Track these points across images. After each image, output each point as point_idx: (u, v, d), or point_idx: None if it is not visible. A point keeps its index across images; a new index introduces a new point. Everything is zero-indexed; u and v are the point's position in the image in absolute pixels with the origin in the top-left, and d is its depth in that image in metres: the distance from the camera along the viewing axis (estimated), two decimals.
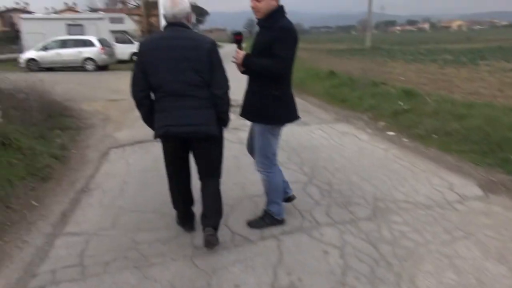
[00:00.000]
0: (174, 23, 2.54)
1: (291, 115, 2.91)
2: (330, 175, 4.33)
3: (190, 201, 3.05)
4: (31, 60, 18.36)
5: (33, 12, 37.29)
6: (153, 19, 29.44)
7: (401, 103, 7.07)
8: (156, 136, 2.62)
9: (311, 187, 3.99)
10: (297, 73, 13.04)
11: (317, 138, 5.95)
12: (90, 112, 8.34)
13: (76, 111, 8.37)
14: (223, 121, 2.74)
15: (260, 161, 2.99)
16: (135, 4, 31.03)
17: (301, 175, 4.32)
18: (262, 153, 2.95)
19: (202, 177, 2.83)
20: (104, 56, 18.56)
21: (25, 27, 21.56)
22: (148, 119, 2.68)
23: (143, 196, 3.84)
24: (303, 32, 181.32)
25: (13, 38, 30.84)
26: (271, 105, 2.79)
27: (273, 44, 2.63)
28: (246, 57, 2.74)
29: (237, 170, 4.51)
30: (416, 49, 26.38)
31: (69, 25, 21.78)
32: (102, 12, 26.12)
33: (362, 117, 7.21)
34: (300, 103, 8.77)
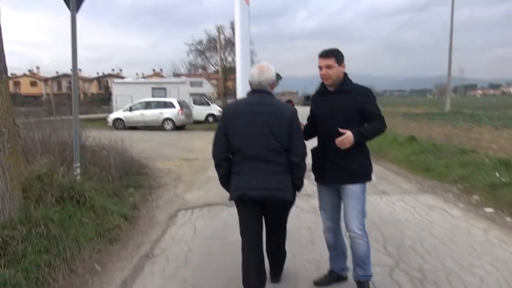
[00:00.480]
0: (259, 90, 2.67)
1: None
2: (420, 258, 3.69)
3: (263, 281, 2.80)
4: (118, 119, 19.98)
5: (125, 77, 41.53)
6: (229, 83, 31.08)
7: (499, 175, 6.20)
8: (232, 198, 2.66)
9: (399, 273, 3.39)
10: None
11: (399, 211, 5.32)
12: (164, 170, 8.51)
13: (150, 169, 8.59)
14: (297, 186, 2.75)
15: (361, 223, 2.86)
16: (215, 69, 33.20)
17: (385, 257, 3.74)
18: (363, 214, 2.88)
19: (269, 237, 2.91)
20: (182, 117, 19.62)
21: (116, 90, 23.86)
22: (225, 181, 2.73)
23: (208, 268, 3.52)
24: (376, 95, 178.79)
25: (106, 100, 34.34)
26: (368, 162, 2.91)
27: (366, 106, 2.78)
28: (356, 134, 2.69)
29: (311, 244, 4.06)
30: (504, 114, 24.40)
31: (154, 88, 23.67)
32: (184, 77, 28.21)
33: (451, 189, 6.42)
34: (378, 169, 8.17)
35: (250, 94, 2.73)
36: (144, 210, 5.38)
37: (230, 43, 30.48)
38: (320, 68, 2.81)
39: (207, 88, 25.32)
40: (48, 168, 4.70)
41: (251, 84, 2.71)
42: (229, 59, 31.72)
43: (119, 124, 19.93)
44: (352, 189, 2.81)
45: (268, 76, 2.67)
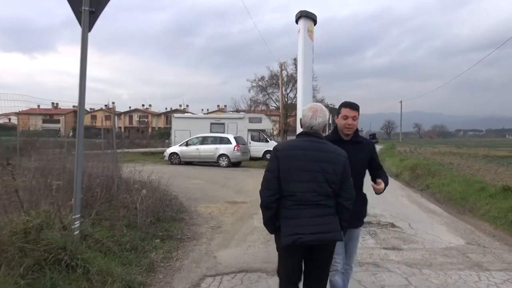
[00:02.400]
0: (311, 133, 2.68)
1: None
2: None
3: None
4: (174, 154, 19.70)
5: (187, 112, 42.44)
6: (290, 120, 30.17)
7: None
8: (285, 244, 2.58)
9: None
10: (453, 184, 10.61)
11: None
12: (204, 216, 7.46)
13: (190, 213, 7.60)
14: (343, 227, 2.70)
15: (353, 263, 3.35)
16: (275, 105, 32.60)
17: None
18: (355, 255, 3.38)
19: (308, 282, 2.79)
20: (238, 153, 18.84)
21: (175, 125, 23.88)
22: (270, 222, 2.70)
23: None
24: (446, 134, 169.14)
25: (169, 134, 34.98)
26: (366, 208, 3.37)
27: (374, 157, 3.28)
28: (386, 183, 3.20)
29: None
30: None
31: (212, 123, 23.37)
32: (243, 113, 27.82)
33: None
34: (466, 228, 6.43)
35: (300, 135, 2.76)
36: (161, 274, 4.26)
37: (292, 79, 29.89)
38: (346, 117, 3.03)
39: (266, 124, 24.52)
40: (47, 217, 3.83)
41: (302, 124, 2.76)
42: (291, 95, 31.05)
43: (174, 158, 19.62)
44: (357, 232, 3.29)
45: (322, 121, 2.69)
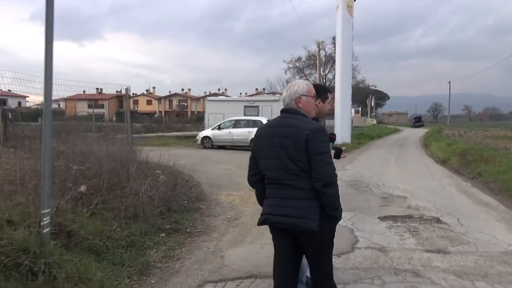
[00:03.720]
0: (285, 110, 2.56)
1: None
2: None
3: None
4: (206, 138, 19.26)
5: (224, 95, 42.00)
6: (331, 102, 28.85)
7: None
8: (258, 223, 2.59)
9: None
10: (509, 172, 9.25)
11: None
12: (224, 205, 6.82)
13: (208, 202, 6.98)
14: (331, 216, 2.41)
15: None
16: None
17: None
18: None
19: (312, 270, 2.61)
20: None
21: (209, 108, 23.42)
22: (261, 203, 2.64)
23: None
24: (500, 117, 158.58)
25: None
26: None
27: None
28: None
29: None
30: None
31: (246, 106, 22.66)
32: (278, 95, 26.89)
33: None
34: None
35: (280, 114, 2.61)
36: (154, 278, 3.65)
37: (331, 60, 28.49)
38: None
39: None
40: (22, 212, 3.30)
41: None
42: (329, 76, 29.64)
43: (207, 142, 19.19)
44: None
45: (286, 95, 2.57)
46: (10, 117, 15.30)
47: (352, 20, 22.32)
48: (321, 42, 28.65)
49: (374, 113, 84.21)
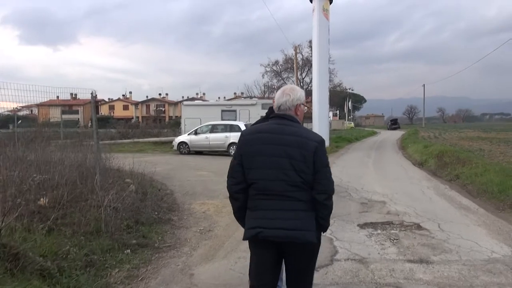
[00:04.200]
0: (280, 116, 2.39)
1: None
2: None
3: None
4: (182, 143, 18.80)
5: (204, 100, 41.53)
6: (308, 105, 28.82)
7: None
8: (245, 238, 2.37)
9: None
10: (488, 174, 9.25)
11: None
12: (197, 216, 6.46)
13: (181, 212, 6.62)
14: (322, 227, 2.38)
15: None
16: None
17: None
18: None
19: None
20: None
21: (185, 113, 22.95)
22: (240, 215, 2.46)
23: None
24: (472, 119, 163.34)
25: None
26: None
27: None
28: None
29: None
30: None
31: (224, 110, 22.32)
32: (255, 99, 26.69)
33: None
34: (509, 231, 4.90)
35: (271, 119, 2.45)
36: None
37: (308, 63, 28.46)
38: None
39: None
40: None
41: (274, 108, 2.47)
42: (307, 80, 29.64)
43: (183, 148, 18.72)
44: None
45: (287, 100, 2.37)
46: None
47: (328, 23, 22.30)
48: (298, 45, 28.69)
49: (351, 116, 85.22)
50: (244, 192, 2.38)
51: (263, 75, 30.22)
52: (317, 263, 4.27)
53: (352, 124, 72.68)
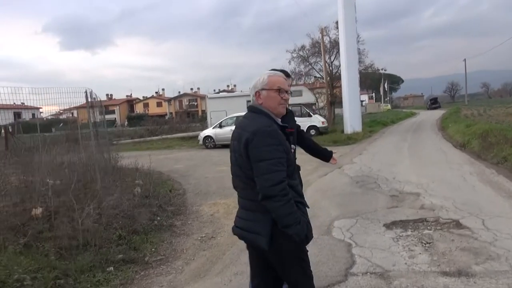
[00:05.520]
0: (248, 107, 2.31)
1: None
2: None
3: None
4: (208, 137, 18.37)
5: (229, 92, 40.96)
6: (337, 91, 27.54)
7: None
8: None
9: None
10: None
11: None
12: (203, 219, 5.86)
13: (186, 216, 6.04)
14: (290, 234, 2.03)
15: None
16: (320, 76, 30.00)
17: None
18: None
19: None
20: None
21: (210, 106, 22.47)
22: None
23: None
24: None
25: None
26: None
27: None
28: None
29: None
30: None
31: (249, 101, 21.61)
32: None
33: None
34: None
35: None
36: None
37: (336, 45, 27.00)
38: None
39: (308, 97, 22.28)
40: None
41: None
42: (336, 63, 28.24)
43: (209, 142, 18.29)
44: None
45: (251, 86, 2.27)
46: (11, 130, 14.82)
47: (354, 1, 21.00)
48: (325, 27, 27.23)
49: (388, 98, 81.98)
50: None
51: (289, 62, 28.99)
52: (328, 279, 3.56)
53: (389, 106, 69.86)
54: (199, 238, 4.96)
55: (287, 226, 2.01)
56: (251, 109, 2.23)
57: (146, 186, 7.52)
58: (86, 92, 6.13)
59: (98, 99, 8.71)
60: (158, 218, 5.61)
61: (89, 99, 6.25)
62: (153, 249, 4.49)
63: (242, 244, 4.51)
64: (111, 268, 3.88)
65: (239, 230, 2.20)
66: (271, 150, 1.99)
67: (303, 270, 2.21)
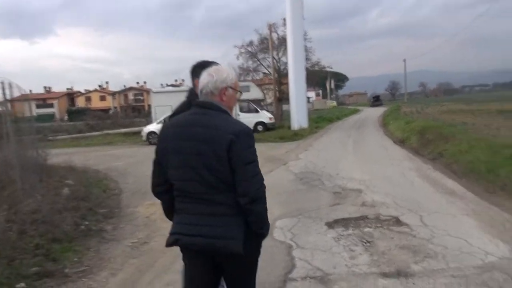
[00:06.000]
0: (201, 103, 2.00)
1: None
2: None
3: None
4: (151, 133, 17.67)
5: (175, 86, 40.01)
6: (284, 87, 27.71)
7: None
8: (166, 245, 2.08)
9: None
10: (474, 151, 8.43)
11: None
12: (137, 222, 5.46)
13: (119, 219, 5.60)
14: (257, 235, 2.01)
15: None
16: (268, 72, 30.02)
17: None
18: None
19: None
20: None
21: (155, 100, 21.64)
22: (170, 218, 2.16)
23: None
24: (452, 92, 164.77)
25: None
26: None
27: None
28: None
29: None
30: None
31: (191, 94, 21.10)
32: None
33: None
34: (503, 221, 4.65)
35: (192, 108, 2.04)
36: None
37: (284, 42, 27.14)
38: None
39: (255, 93, 22.22)
40: None
41: (197, 92, 2.08)
42: (284, 59, 28.38)
43: (153, 138, 17.54)
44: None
45: (211, 80, 1.97)
46: None
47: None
48: (273, 24, 27.26)
49: (334, 95, 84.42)
50: (168, 193, 2.09)
51: (237, 57, 28.74)
52: (268, 286, 3.34)
53: (335, 103, 71.96)
54: (131, 244, 4.55)
55: (264, 225, 2.01)
56: (209, 105, 1.97)
57: (76, 186, 6.93)
58: (2, 83, 5.44)
59: (23, 92, 7.89)
60: (86, 222, 5.11)
61: (5, 91, 5.55)
62: (75, 259, 4.03)
63: (177, 250, 4.19)
64: (22, 285, 3.39)
65: (204, 238, 1.93)
66: (254, 151, 1.94)
67: (254, 278, 2.14)
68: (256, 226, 1.97)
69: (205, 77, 2.01)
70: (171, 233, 2.05)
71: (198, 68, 2.34)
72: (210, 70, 2.04)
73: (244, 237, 1.94)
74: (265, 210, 1.99)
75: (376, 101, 67.90)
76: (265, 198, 1.97)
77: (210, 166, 1.90)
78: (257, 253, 2.10)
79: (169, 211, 2.17)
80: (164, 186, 2.08)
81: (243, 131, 1.91)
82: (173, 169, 1.99)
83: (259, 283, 3.23)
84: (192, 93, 2.48)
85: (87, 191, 6.78)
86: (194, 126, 1.96)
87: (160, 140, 2.07)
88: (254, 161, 1.94)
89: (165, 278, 3.53)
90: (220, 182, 1.92)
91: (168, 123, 2.14)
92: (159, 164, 2.07)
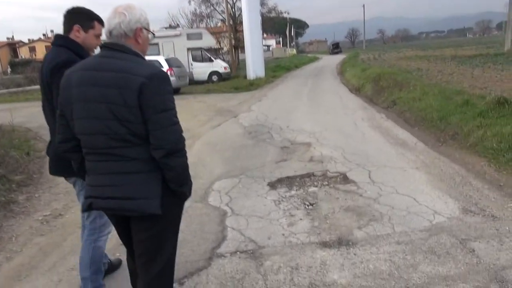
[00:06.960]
0: (110, 45, 1.74)
1: None
2: None
3: None
4: None
5: None
6: (240, 34, 26.45)
7: None
8: (81, 210, 2.06)
9: None
10: (426, 98, 8.20)
11: None
12: (57, 190, 4.77)
13: (36, 187, 4.91)
14: (177, 194, 1.80)
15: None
16: (222, 18, 28.42)
17: None
18: None
19: (139, 273, 1.91)
20: (172, 78, 15.66)
21: None
22: (84, 178, 1.91)
23: None
24: (410, 38, 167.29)
25: None
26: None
27: None
28: None
29: None
30: None
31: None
32: (179, 28, 23.89)
33: None
34: (453, 174, 4.43)
35: (101, 50, 1.79)
36: None
37: None
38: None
39: (208, 40, 20.90)
40: None
41: (105, 34, 1.83)
42: (239, 5, 26.90)
43: None
44: None
45: (124, 20, 1.71)
46: None
47: None
48: None
49: (294, 43, 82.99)
50: (77, 152, 1.84)
51: (189, 2, 26.90)
52: (188, 266, 2.85)
53: (294, 51, 70.87)
54: (42, 217, 3.92)
55: (184, 183, 1.81)
56: (119, 47, 1.70)
57: None
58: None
59: None
60: None
61: None
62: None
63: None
64: None
65: (115, 200, 1.74)
66: (171, 98, 1.70)
67: (175, 243, 1.93)
68: (174, 184, 1.76)
69: (115, 16, 1.72)
70: (85, 197, 1.85)
71: (81, 15, 2.22)
72: (120, 8, 1.75)
73: (162, 196, 1.73)
74: (185, 164, 1.78)
75: (335, 48, 67.57)
76: (185, 151, 1.76)
77: (120, 116, 1.66)
78: (178, 216, 1.90)
79: (81, 169, 1.90)
80: (71, 143, 1.83)
81: (156, 75, 1.66)
82: (78, 120, 1.74)
83: (181, 262, 2.79)
84: (72, 42, 2.21)
85: (5, 153, 5.95)
86: (102, 70, 1.69)
87: (62, 88, 1.76)
88: (171, 109, 1.70)
89: (71, 261, 2.98)
90: (132, 134, 1.68)
91: (72, 68, 1.79)
92: (63, 117, 1.80)
